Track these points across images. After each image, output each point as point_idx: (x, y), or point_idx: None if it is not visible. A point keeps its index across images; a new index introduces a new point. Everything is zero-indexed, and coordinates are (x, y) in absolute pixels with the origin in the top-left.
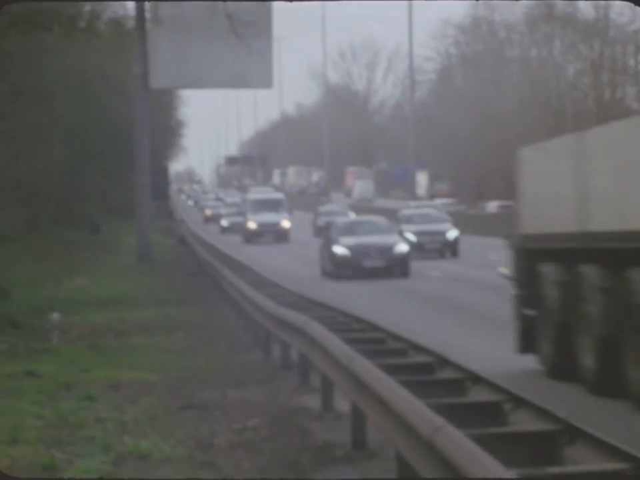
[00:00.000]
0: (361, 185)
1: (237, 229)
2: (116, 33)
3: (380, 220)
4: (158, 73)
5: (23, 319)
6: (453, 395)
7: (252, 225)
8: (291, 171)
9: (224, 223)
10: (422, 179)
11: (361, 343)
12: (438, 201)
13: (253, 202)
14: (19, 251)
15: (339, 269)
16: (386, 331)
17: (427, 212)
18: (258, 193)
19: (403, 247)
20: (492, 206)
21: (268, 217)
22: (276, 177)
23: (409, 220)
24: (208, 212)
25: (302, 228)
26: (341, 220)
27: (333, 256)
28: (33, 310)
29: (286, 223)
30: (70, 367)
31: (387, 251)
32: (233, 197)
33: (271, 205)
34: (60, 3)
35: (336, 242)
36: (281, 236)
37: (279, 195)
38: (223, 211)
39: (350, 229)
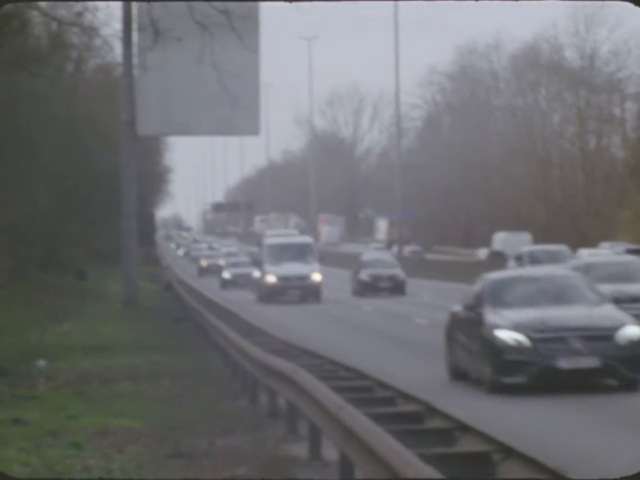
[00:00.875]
0: (326, 230)
1: (242, 282)
2: (103, 80)
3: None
4: (145, 120)
5: (8, 365)
6: (441, 444)
7: (271, 278)
8: (272, 217)
9: (226, 275)
10: (382, 225)
11: (349, 391)
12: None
13: (271, 247)
14: (5, 296)
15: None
16: (374, 379)
17: (382, 257)
18: (277, 236)
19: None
20: (482, 253)
21: (292, 267)
22: (257, 224)
23: (367, 264)
24: (203, 262)
25: None
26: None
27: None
28: (19, 356)
29: (317, 276)
30: (56, 414)
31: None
32: (228, 246)
33: (296, 252)
34: (48, 48)
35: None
36: (311, 293)
37: (305, 239)
38: (222, 261)
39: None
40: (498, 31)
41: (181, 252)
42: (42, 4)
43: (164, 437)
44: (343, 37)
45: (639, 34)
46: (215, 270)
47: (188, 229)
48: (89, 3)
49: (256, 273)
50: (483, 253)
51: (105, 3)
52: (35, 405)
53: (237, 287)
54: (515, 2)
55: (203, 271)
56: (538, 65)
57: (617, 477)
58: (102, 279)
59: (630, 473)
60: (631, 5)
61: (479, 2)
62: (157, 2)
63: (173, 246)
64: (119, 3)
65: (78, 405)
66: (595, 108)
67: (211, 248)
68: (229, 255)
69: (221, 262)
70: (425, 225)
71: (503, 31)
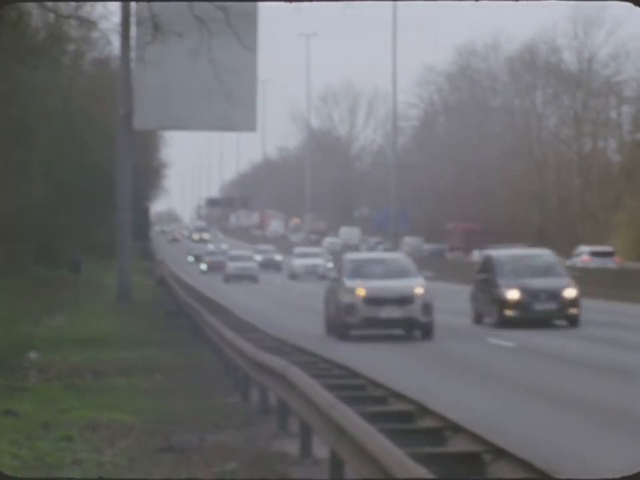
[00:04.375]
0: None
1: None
2: (100, 73)
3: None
4: (142, 114)
5: (0, 357)
6: (432, 444)
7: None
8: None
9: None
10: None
11: (341, 389)
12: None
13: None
14: None
15: None
16: (366, 378)
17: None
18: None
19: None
20: (477, 255)
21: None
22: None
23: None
24: None
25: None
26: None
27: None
28: (11, 348)
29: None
30: (48, 407)
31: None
32: (266, 252)
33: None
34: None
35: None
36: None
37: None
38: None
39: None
40: (496, 32)
41: (191, 258)
42: None
43: (155, 431)
44: (341, 35)
45: (638, 37)
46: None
47: (204, 230)
48: None
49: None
50: (477, 255)
51: None
52: (26, 397)
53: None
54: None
55: None
56: (535, 67)
57: (617, 477)
58: (96, 272)
59: (630, 473)
60: (630, 5)
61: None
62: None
63: (190, 259)
64: None
65: (70, 397)
66: (591, 111)
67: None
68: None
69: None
70: (419, 224)
71: (502, 32)
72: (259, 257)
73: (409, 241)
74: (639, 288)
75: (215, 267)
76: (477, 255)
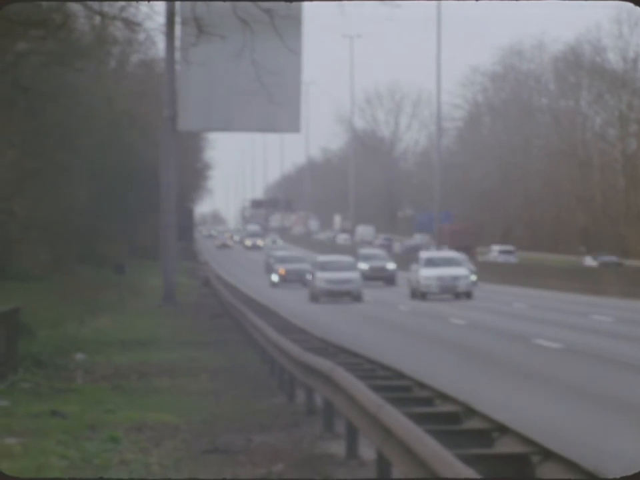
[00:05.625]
0: (361, 229)
1: None
2: (145, 75)
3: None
4: (186, 116)
5: (47, 358)
6: (479, 445)
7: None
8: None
9: None
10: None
11: (387, 390)
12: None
13: None
14: (44, 290)
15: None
16: (412, 378)
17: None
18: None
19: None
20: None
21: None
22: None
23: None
24: None
25: None
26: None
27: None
28: (57, 349)
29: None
30: (94, 408)
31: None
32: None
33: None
34: (91, 43)
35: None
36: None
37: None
38: None
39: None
40: (541, 33)
41: (276, 277)
42: None
43: (201, 432)
44: (385, 36)
45: None
46: None
47: (258, 235)
48: None
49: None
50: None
51: None
52: (73, 398)
53: None
54: (558, 3)
55: None
56: (580, 67)
57: (617, 476)
58: (140, 274)
59: (630, 472)
60: (631, 5)
61: (521, 2)
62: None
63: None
64: None
65: (116, 398)
66: (636, 110)
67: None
68: None
69: None
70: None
71: (546, 33)
72: (363, 265)
73: (361, 230)
74: (530, 276)
75: (291, 279)
76: (495, 251)
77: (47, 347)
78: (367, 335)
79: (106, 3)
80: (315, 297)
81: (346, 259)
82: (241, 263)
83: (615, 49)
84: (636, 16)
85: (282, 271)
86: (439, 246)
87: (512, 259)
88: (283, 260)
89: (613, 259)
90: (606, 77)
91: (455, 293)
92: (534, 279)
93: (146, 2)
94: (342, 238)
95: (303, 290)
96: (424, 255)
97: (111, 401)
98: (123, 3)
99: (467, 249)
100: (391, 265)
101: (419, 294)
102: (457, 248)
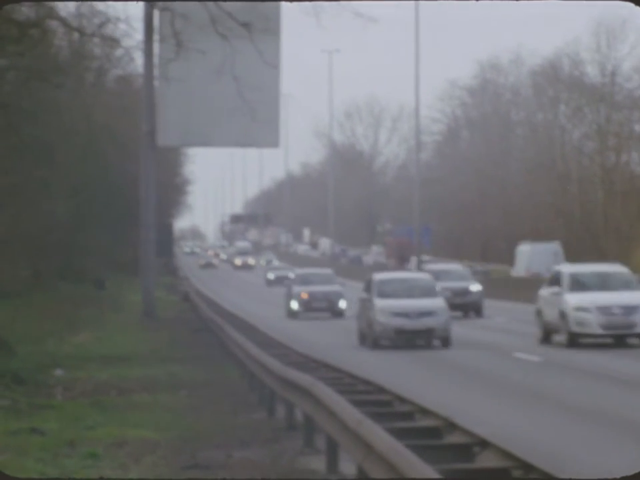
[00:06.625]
0: (325, 241)
1: None
2: (124, 90)
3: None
4: (165, 131)
5: (26, 374)
6: (461, 460)
7: None
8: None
9: None
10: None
11: (368, 405)
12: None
13: None
14: (23, 305)
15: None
16: (392, 393)
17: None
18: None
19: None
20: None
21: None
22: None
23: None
24: None
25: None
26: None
27: None
28: (36, 366)
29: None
30: (74, 424)
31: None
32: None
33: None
34: (69, 58)
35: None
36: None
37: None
38: None
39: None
40: (519, 46)
41: (295, 304)
42: (63, 13)
43: (181, 448)
44: (364, 51)
45: None
46: None
47: (247, 253)
48: (111, 14)
49: None
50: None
51: (125, 13)
52: (52, 415)
53: None
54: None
55: None
56: (558, 81)
57: (617, 477)
58: (120, 289)
59: (630, 472)
60: (631, 6)
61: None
62: (179, 14)
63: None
64: (140, 13)
65: (95, 415)
66: (615, 124)
67: None
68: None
69: None
70: (442, 239)
71: (524, 46)
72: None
73: (323, 242)
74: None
75: (317, 306)
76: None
77: (26, 363)
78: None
79: (84, 20)
80: (372, 340)
81: (420, 276)
82: (231, 284)
83: (593, 62)
84: (614, 29)
85: (304, 294)
86: (388, 257)
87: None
88: (304, 280)
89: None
90: (584, 91)
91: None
92: (503, 290)
93: (124, 18)
94: (302, 249)
95: (335, 323)
96: (569, 272)
97: (90, 417)
98: (101, 20)
99: (404, 259)
100: (474, 286)
101: (565, 334)
102: (399, 258)
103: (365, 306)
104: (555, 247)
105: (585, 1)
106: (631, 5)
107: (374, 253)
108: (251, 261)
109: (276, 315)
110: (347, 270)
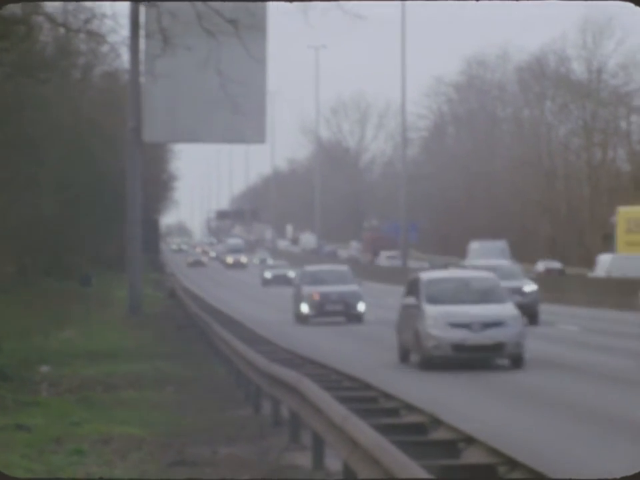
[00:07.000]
0: (305, 237)
1: None
2: (110, 86)
3: None
4: (151, 127)
5: (11, 371)
6: (446, 456)
7: None
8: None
9: None
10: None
11: (353, 401)
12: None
13: None
14: (9, 302)
15: None
16: (378, 389)
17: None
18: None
19: None
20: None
21: None
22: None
23: None
24: None
25: None
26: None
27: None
28: (22, 362)
29: None
30: (59, 421)
31: None
32: None
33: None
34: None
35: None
36: None
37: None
38: None
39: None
40: (505, 42)
41: (306, 307)
42: (49, 9)
43: (167, 444)
44: (350, 46)
45: None
46: None
47: (240, 250)
48: (97, 10)
49: None
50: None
51: (112, 9)
52: (37, 411)
53: None
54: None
55: None
56: (544, 77)
57: (617, 477)
58: (106, 286)
59: (630, 472)
60: (631, 6)
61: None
62: (165, 10)
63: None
64: (127, 10)
65: (81, 411)
66: (601, 120)
67: None
68: None
69: None
70: (429, 235)
71: (510, 42)
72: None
73: (304, 238)
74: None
75: (330, 309)
76: (382, 257)
77: (12, 359)
78: None
79: (70, 15)
80: (422, 359)
81: (483, 275)
82: (224, 284)
83: (579, 59)
84: (601, 26)
85: (316, 295)
86: (363, 252)
87: (397, 263)
88: (316, 279)
89: (556, 265)
90: (570, 87)
91: None
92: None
93: (110, 14)
94: (282, 244)
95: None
96: None
97: (76, 414)
98: (87, 16)
99: (375, 253)
100: (529, 286)
101: None
102: (374, 252)
103: (409, 314)
104: (501, 244)
105: (576, 1)
106: (631, 5)
107: (352, 248)
108: (243, 259)
109: (282, 320)
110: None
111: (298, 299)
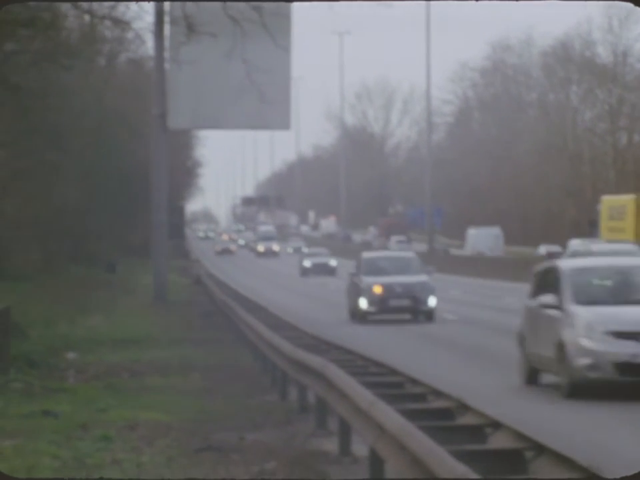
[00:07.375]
0: (326, 223)
1: None
2: (134, 73)
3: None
4: (176, 113)
5: (38, 357)
6: (473, 441)
7: None
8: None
9: None
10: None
11: (380, 386)
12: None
13: None
14: (35, 289)
15: None
16: (405, 375)
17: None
18: None
19: None
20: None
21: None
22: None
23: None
24: None
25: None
26: None
27: None
28: (48, 349)
29: None
30: (86, 407)
31: None
32: None
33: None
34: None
35: None
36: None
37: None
38: None
39: None
40: (530, 28)
41: (364, 302)
42: None
43: (193, 430)
44: (374, 32)
45: None
46: None
47: (272, 238)
48: None
49: None
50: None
51: None
52: (64, 398)
53: None
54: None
55: None
56: (570, 62)
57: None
58: (131, 272)
59: (630, 472)
60: (631, 6)
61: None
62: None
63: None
64: None
65: (108, 397)
66: (626, 104)
67: None
68: None
69: None
70: (454, 220)
71: (535, 28)
72: None
73: (325, 223)
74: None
75: (395, 305)
76: (392, 241)
77: (39, 346)
78: None
79: (95, 3)
80: (570, 382)
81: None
82: (257, 274)
83: (604, 43)
84: (626, 10)
85: (377, 288)
86: (379, 236)
87: (406, 248)
88: (375, 268)
89: (556, 248)
90: (596, 71)
91: None
92: (485, 270)
93: (135, 2)
94: (304, 230)
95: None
96: None
97: (103, 400)
98: (112, 3)
99: (387, 237)
100: None
101: None
102: (388, 236)
103: (544, 318)
104: (496, 230)
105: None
106: (631, 5)
107: (370, 233)
108: (275, 247)
109: (335, 317)
110: (340, 248)
111: (354, 292)
